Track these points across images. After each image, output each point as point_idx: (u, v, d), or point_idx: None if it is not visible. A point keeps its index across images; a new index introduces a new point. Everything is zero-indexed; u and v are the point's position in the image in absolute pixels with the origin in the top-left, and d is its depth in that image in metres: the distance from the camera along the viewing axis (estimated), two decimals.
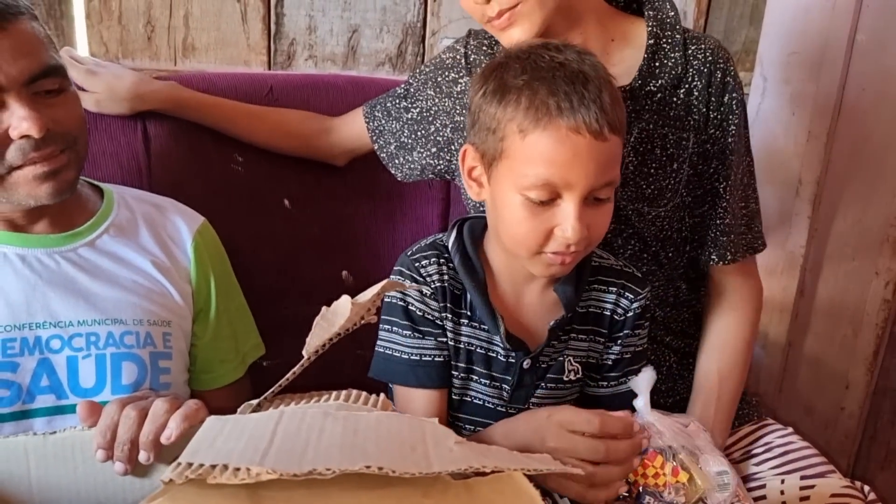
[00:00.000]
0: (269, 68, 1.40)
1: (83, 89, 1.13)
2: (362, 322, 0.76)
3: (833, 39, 1.52)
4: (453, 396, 0.96)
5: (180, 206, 1.06)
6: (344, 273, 1.28)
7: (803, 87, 1.56)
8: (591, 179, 0.82)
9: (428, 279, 0.93)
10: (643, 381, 0.91)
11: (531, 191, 0.83)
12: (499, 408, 0.96)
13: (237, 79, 1.27)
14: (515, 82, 0.83)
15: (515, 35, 0.96)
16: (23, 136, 0.84)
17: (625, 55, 1.03)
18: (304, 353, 0.75)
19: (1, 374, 0.86)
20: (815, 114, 1.56)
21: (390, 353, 0.94)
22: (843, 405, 1.69)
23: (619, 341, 0.97)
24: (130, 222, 1.00)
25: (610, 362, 0.98)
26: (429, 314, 0.93)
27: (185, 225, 1.03)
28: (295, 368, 0.75)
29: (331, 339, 0.75)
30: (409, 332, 0.93)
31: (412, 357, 0.93)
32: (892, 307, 1.62)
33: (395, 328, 0.94)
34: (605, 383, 0.99)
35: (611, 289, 0.97)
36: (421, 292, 0.92)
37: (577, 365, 0.96)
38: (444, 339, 0.93)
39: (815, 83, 1.55)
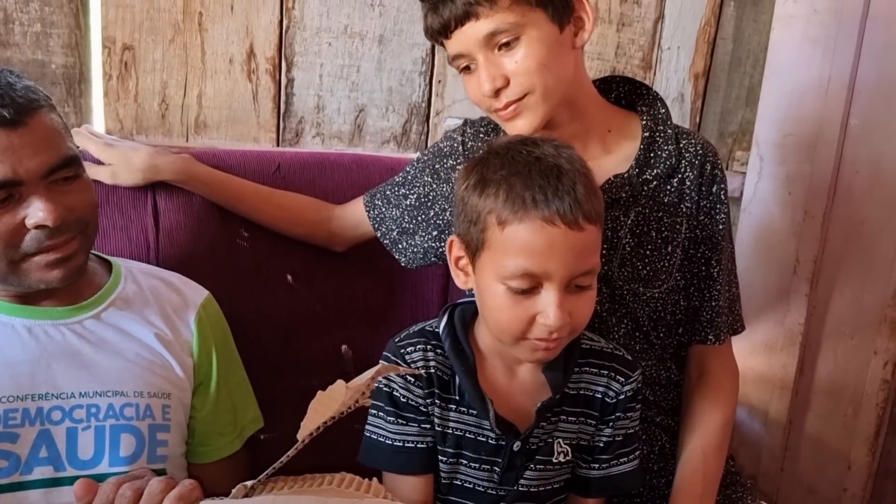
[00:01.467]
0: (278, 145, 1.45)
1: (100, 162, 1.17)
2: (357, 405, 0.78)
3: (827, 123, 1.57)
4: (442, 481, 0.96)
5: (186, 281, 1.09)
6: (343, 347, 1.30)
7: (799, 167, 1.60)
8: (569, 268, 0.84)
9: (412, 366, 0.94)
10: None
11: (512, 280, 0.85)
12: (489, 490, 0.96)
13: (246, 156, 1.31)
14: (494, 176, 0.87)
15: (520, 126, 1.01)
16: (38, 226, 0.88)
17: (622, 145, 1.09)
18: (298, 436, 0.76)
19: (0, 444, 0.87)
20: (811, 194, 1.59)
21: (375, 437, 0.95)
22: (846, 486, 1.67)
23: (611, 424, 0.98)
24: (136, 295, 1.02)
25: (601, 444, 0.99)
26: (413, 400, 0.94)
27: (189, 299, 1.06)
28: (289, 452, 0.76)
29: (325, 423, 0.76)
30: (392, 419, 0.94)
31: (395, 443, 0.94)
32: (891, 387, 1.62)
33: (380, 413, 0.95)
34: (597, 465, 0.99)
35: (602, 372, 0.98)
36: (406, 378, 0.94)
37: (566, 447, 0.97)
38: (429, 426, 0.94)
39: (810, 164, 1.59)
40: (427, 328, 0.98)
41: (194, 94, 1.38)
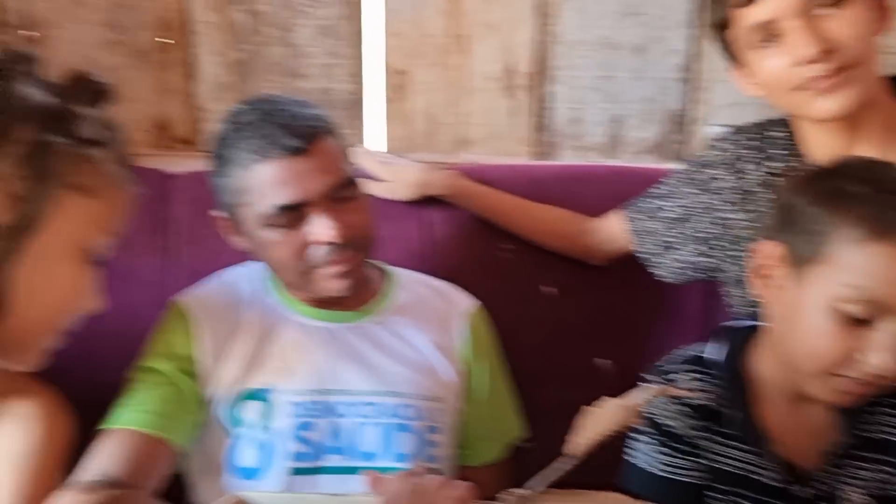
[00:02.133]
0: (535, 158, 1.48)
1: (377, 179, 1.28)
2: (628, 425, 0.77)
3: None
4: None
5: (458, 290, 1.15)
6: (601, 361, 1.29)
7: None
8: None
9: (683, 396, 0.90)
10: None
11: (850, 304, 0.78)
12: None
13: (505, 170, 1.36)
14: (856, 190, 0.80)
15: (836, 102, 0.91)
16: (323, 242, 0.97)
17: None
18: (567, 451, 0.77)
19: (302, 432, 0.98)
20: None
21: (641, 464, 0.92)
22: None
23: None
24: (412, 302, 1.10)
25: None
26: (683, 431, 0.89)
27: (461, 308, 1.12)
28: (565, 467, 0.77)
29: (596, 440, 0.76)
30: (661, 448, 0.90)
31: (663, 474, 0.90)
32: None
33: (647, 439, 0.91)
34: None
35: None
36: (679, 406, 0.89)
37: (866, 498, 0.87)
38: (701, 460, 0.89)
39: None
40: (696, 354, 0.94)
41: (459, 113, 1.45)
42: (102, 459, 0.91)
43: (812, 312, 0.81)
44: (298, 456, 0.97)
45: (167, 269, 1.19)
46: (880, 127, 0.97)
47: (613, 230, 1.24)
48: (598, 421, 0.78)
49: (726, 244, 1.11)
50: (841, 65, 0.89)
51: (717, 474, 0.89)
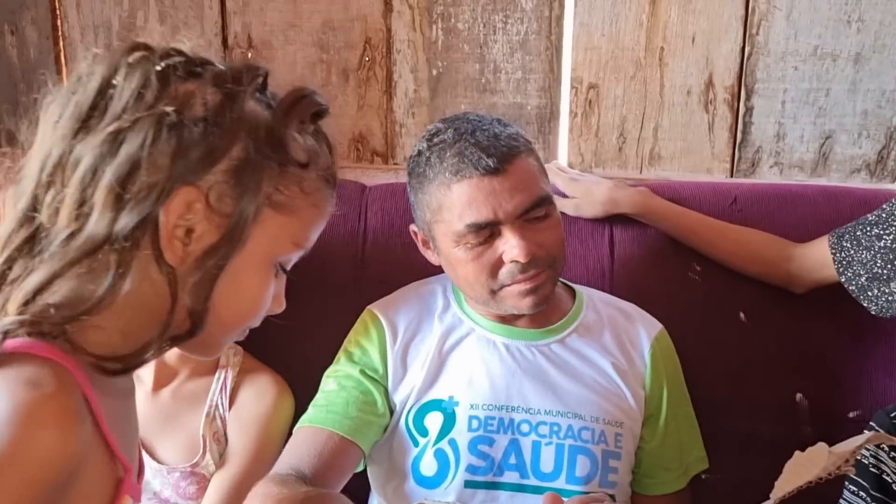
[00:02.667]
0: (732, 175, 1.40)
1: (565, 195, 1.27)
2: (838, 472, 0.71)
3: None
4: None
5: (642, 313, 1.12)
6: (798, 396, 1.20)
7: None
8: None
9: None
10: None
11: None
12: None
13: (700, 188, 1.30)
14: None
15: None
16: (513, 261, 0.98)
17: None
18: (771, 496, 0.72)
19: (480, 446, 1.00)
20: None
21: None
22: None
23: None
24: (596, 324, 1.08)
25: None
26: None
27: (644, 331, 1.08)
28: None
29: (801, 486, 0.71)
30: (869, 500, 0.83)
31: None
32: None
33: (861, 493, 0.84)
34: None
35: None
36: None
37: None
38: None
39: None
40: None
41: (651, 127, 1.41)
42: (297, 454, 0.97)
43: None
44: (475, 469, 0.99)
45: (360, 276, 1.26)
46: None
47: (820, 257, 1.15)
48: (803, 465, 0.72)
49: None
50: None
51: None
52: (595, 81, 1.41)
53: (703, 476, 1.14)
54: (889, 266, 1.06)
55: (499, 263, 0.99)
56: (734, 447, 1.19)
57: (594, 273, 1.25)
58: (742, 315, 1.22)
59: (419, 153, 1.03)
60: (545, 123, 1.44)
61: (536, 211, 0.99)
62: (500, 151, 0.97)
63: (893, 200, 1.09)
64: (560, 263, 1.04)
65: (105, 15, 1.44)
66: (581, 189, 1.26)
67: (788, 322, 1.22)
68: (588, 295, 1.13)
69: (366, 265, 1.26)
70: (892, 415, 0.85)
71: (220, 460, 1.07)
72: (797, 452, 0.73)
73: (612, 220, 1.27)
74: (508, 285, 1.00)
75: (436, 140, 1.01)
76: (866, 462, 0.84)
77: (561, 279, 1.16)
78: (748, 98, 1.37)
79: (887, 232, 1.07)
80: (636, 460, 1.06)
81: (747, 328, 1.22)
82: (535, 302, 1.01)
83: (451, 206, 0.98)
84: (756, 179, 1.39)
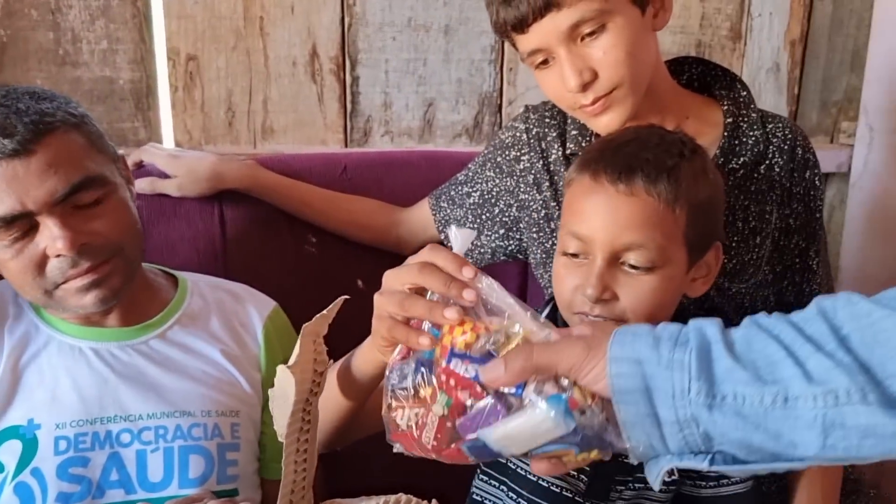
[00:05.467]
0: (346, 146, 1.41)
1: (167, 175, 1.16)
2: (322, 374, 0.74)
3: None
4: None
5: (253, 292, 1.06)
6: (359, 283, 1.25)
7: None
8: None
9: None
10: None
11: (565, 239, 0.84)
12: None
13: (312, 159, 1.28)
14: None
15: (608, 121, 0.93)
16: (58, 255, 0.85)
17: (702, 133, 0.99)
18: (279, 438, 0.73)
19: (72, 469, 0.87)
20: None
21: None
22: None
23: None
24: (203, 310, 1.00)
25: None
26: None
27: (256, 311, 1.03)
28: (284, 459, 0.73)
29: (296, 411, 0.72)
30: None
31: None
32: None
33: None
34: (704, 483, 0.90)
35: None
36: None
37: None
38: None
39: None
40: None
41: (260, 100, 1.35)
42: None
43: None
44: (68, 497, 0.85)
45: None
46: (661, 112, 0.99)
47: (423, 220, 1.20)
48: (282, 396, 0.74)
49: (530, 226, 1.09)
50: (604, 91, 0.91)
51: None
52: (194, 52, 1.31)
53: (339, 448, 1.13)
54: (478, 220, 1.14)
55: (44, 259, 0.86)
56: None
57: (206, 255, 1.17)
58: (360, 283, 1.23)
59: None
60: (143, 99, 1.31)
61: (82, 195, 0.86)
62: (24, 130, 0.83)
63: (477, 159, 1.16)
64: (131, 250, 0.92)
65: None
66: (182, 167, 1.16)
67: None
68: (193, 281, 1.04)
69: None
70: None
71: None
72: (269, 390, 0.75)
73: (223, 197, 1.19)
74: (63, 283, 0.87)
75: None
76: None
77: (162, 267, 1.06)
78: (353, 68, 1.38)
79: (475, 189, 1.14)
80: (260, 447, 1.01)
81: (367, 296, 1.23)
82: (100, 297, 0.89)
83: None
84: (369, 148, 1.41)
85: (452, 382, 0.67)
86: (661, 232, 0.80)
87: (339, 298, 0.77)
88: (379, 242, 1.23)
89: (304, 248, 1.21)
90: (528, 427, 0.64)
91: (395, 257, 1.24)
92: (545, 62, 0.93)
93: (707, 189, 0.84)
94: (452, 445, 0.68)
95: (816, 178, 1.02)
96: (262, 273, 1.15)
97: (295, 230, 1.21)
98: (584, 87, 0.90)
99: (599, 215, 0.80)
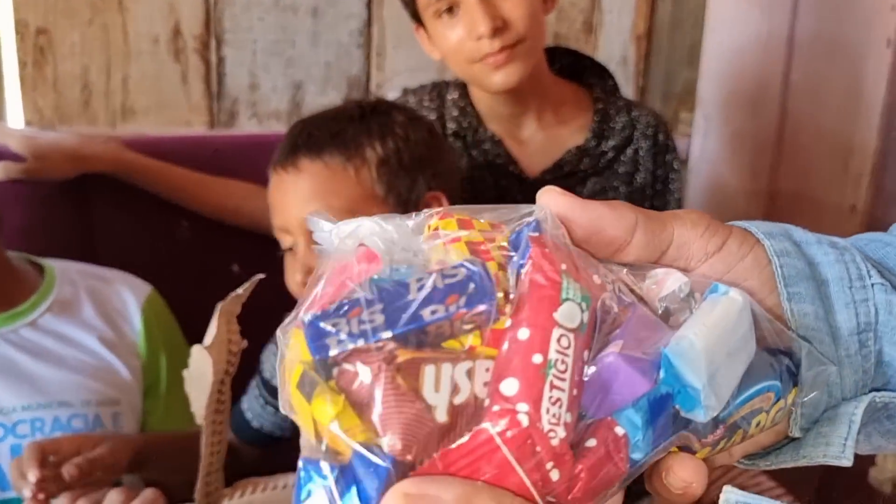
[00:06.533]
0: (212, 128, 1.37)
1: (23, 158, 1.08)
2: (236, 354, 0.74)
3: (769, 79, 1.57)
4: None
5: (127, 277, 1.02)
6: (235, 267, 1.25)
7: (743, 125, 1.61)
8: None
9: None
10: None
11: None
12: None
13: (181, 142, 1.24)
14: None
15: (510, 73, 0.97)
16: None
17: (576, 116, 1.08)
18: (198, 421, 0.72)
19: None
20: (756, 151, 1.60)
21: None
22: None
23: None
24: (74, 297, 0.96)
25: None
26: None
27: (132, 296, 0.99)
28: (203, 441, 0.72)
29: (212, 392, 0.72)
30: None
31: None
32: None
33: None
34: None
35: None
36: None
37: None
38: None
39: (754, 121, 1.59)
40: None
41: (119, 78, 1.29)
42: None
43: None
44: None
45: None
46: (540, 95, 1.05)
47: None
48: (198, 376, 0.73)
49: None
50: (511, 41, 0.95)
51: None
52: (45, 26, 1.23)
53: None
54: None
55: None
56: None
57: (74, 243, 1.11)
58: (235, 267, 1.21)
59: None
60: None
61: None
62: None
63: None
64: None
65: None
66: (39, 149, 1.09)
67: (281, 267, 1.24)
68: (61, 268, 0.99)
69: None
70: None
71: None
72: (184, 371, 0.74)
73: (87, 180, 1.13)
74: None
75: None
76: None
77: (27, 255, 0.99)
78: (219, 48, 1.35)
79: None
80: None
81: (242, 279, 1.21)
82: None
83: None
84: (236, 131, 1.38)
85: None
86: (342, 196, 0.84)
87: (255, 277, 0.76)
88: (255, 226, 1.21)
89: (178, 232, 1.17)
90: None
91: (270, 241, 1.23)
92: (450, 10, 0.96)
93: (396, 141, 0.87)
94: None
95: (675, 162, 1.12)
96: (134, 259, 1.10)
97: (167, 214, 1.17)
98: (494, 33, 0.93)
99: (283, 203, 0.85)
